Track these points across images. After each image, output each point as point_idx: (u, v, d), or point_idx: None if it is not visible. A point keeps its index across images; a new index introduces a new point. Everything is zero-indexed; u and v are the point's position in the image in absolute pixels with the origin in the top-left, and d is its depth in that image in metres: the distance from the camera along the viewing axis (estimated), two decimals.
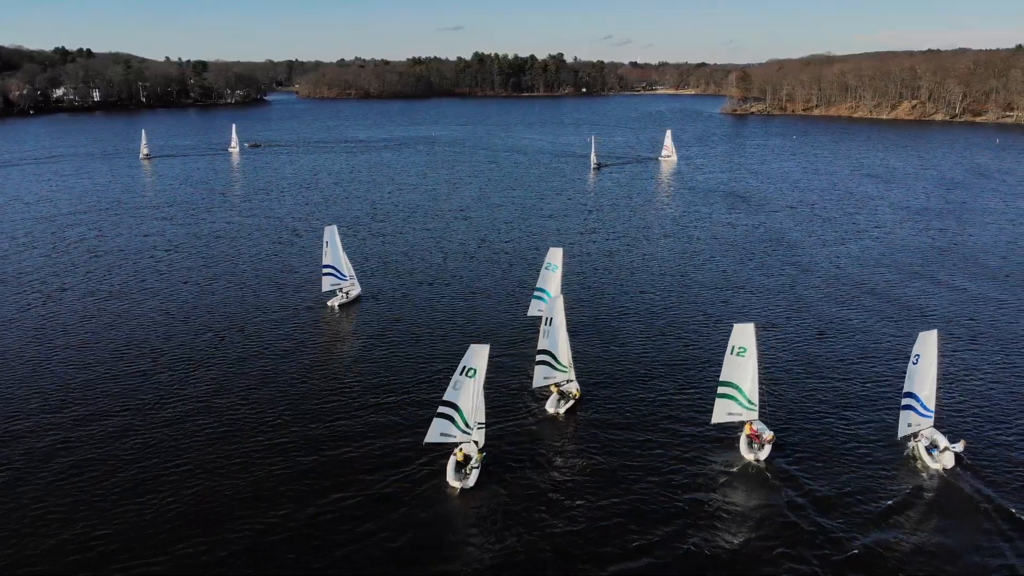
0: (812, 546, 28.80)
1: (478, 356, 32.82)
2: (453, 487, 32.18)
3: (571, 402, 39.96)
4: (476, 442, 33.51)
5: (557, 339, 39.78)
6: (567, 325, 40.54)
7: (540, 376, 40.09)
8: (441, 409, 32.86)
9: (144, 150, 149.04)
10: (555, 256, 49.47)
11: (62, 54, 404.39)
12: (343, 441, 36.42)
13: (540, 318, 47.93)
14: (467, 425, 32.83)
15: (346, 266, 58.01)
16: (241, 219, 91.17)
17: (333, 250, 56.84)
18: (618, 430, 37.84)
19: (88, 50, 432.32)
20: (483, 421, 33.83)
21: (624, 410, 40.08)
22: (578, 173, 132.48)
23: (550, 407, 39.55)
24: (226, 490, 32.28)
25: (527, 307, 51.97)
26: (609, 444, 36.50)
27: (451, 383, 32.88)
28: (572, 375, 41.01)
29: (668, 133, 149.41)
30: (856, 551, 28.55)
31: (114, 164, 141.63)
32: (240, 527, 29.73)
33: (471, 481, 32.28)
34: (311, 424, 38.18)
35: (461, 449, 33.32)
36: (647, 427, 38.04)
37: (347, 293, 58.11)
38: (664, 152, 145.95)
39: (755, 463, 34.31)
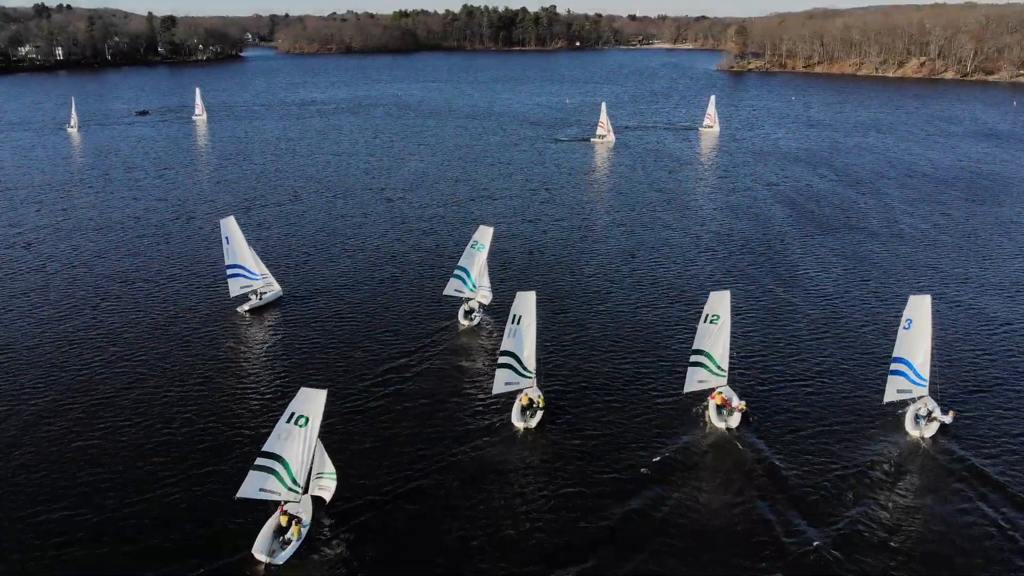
0: (784, 519, 27.92)
1: (311, 402, 27.18)
2: (259, 561, 25.72)
3: (540, 413, 35.06)
4: (320, 497, 28.30)
5: (524, 341, 34.90)
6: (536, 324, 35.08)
7: (501, 381, 35.01)
8: (260, 461, 26.96)
9: (72, 120, 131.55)
10: (484, 235, 46.17)
11: (39, 10, 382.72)
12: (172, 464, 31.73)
13: (459, 299, 46.75)
14: (294, 482, 27.06)
15: (255, 263, 48.23)
16: (136, 203, 77.93)
17: (236, 246, 47.19)
18: (579, 433, 34.33)
19: (68, 6, 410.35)
20: (330, 471, 28.12)
21: (587, 403, 36.73)
22: (545, 143, 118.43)
23: (516, 420, 34.68)
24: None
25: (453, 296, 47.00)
26: (570, 447, 33.07)
27: (274, 432, 27.13)
28: (534, 382, 36.04)
29: (712, 100, 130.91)
30: (832, 522, 27.78)
31: (33, 135, 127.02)
32: None
33: (284, 556, 26.00)
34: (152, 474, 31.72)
35: (285, 511, 27.26)
36: (612, 411, 35.80)
37: (260, 295, 49.02)
38: (706, 122, 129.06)
39: (726, 431, 33.56)
